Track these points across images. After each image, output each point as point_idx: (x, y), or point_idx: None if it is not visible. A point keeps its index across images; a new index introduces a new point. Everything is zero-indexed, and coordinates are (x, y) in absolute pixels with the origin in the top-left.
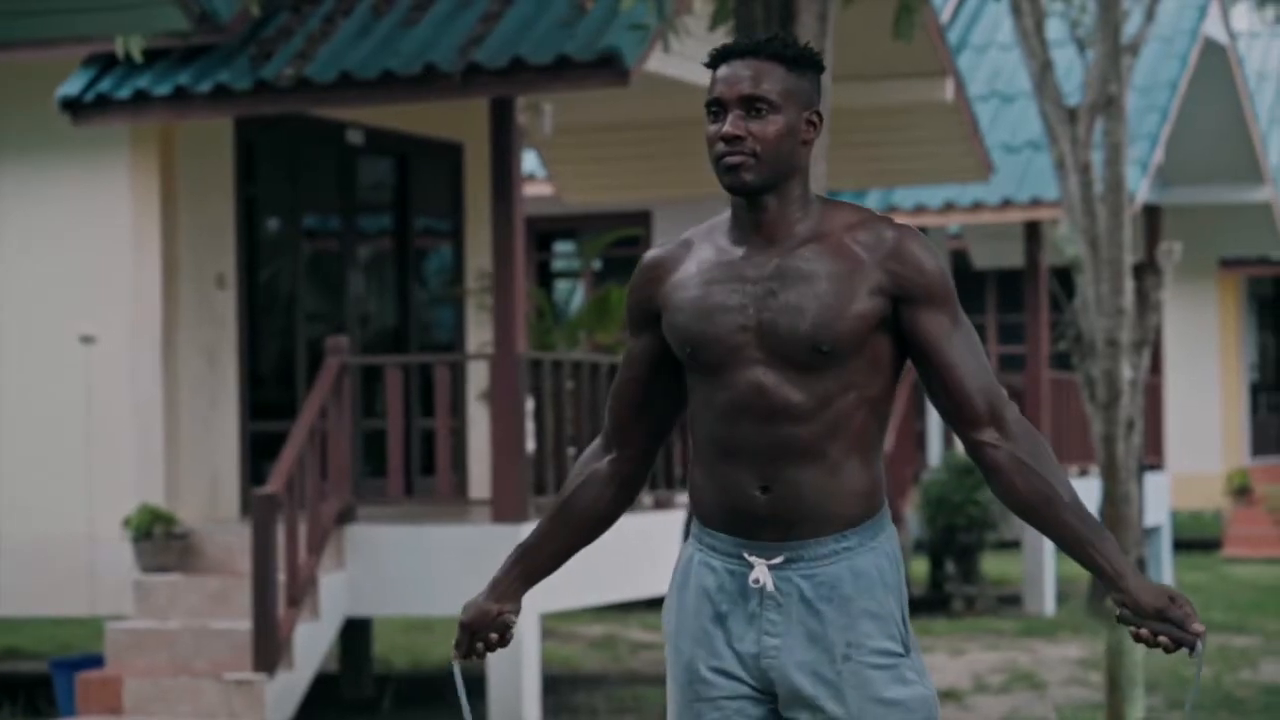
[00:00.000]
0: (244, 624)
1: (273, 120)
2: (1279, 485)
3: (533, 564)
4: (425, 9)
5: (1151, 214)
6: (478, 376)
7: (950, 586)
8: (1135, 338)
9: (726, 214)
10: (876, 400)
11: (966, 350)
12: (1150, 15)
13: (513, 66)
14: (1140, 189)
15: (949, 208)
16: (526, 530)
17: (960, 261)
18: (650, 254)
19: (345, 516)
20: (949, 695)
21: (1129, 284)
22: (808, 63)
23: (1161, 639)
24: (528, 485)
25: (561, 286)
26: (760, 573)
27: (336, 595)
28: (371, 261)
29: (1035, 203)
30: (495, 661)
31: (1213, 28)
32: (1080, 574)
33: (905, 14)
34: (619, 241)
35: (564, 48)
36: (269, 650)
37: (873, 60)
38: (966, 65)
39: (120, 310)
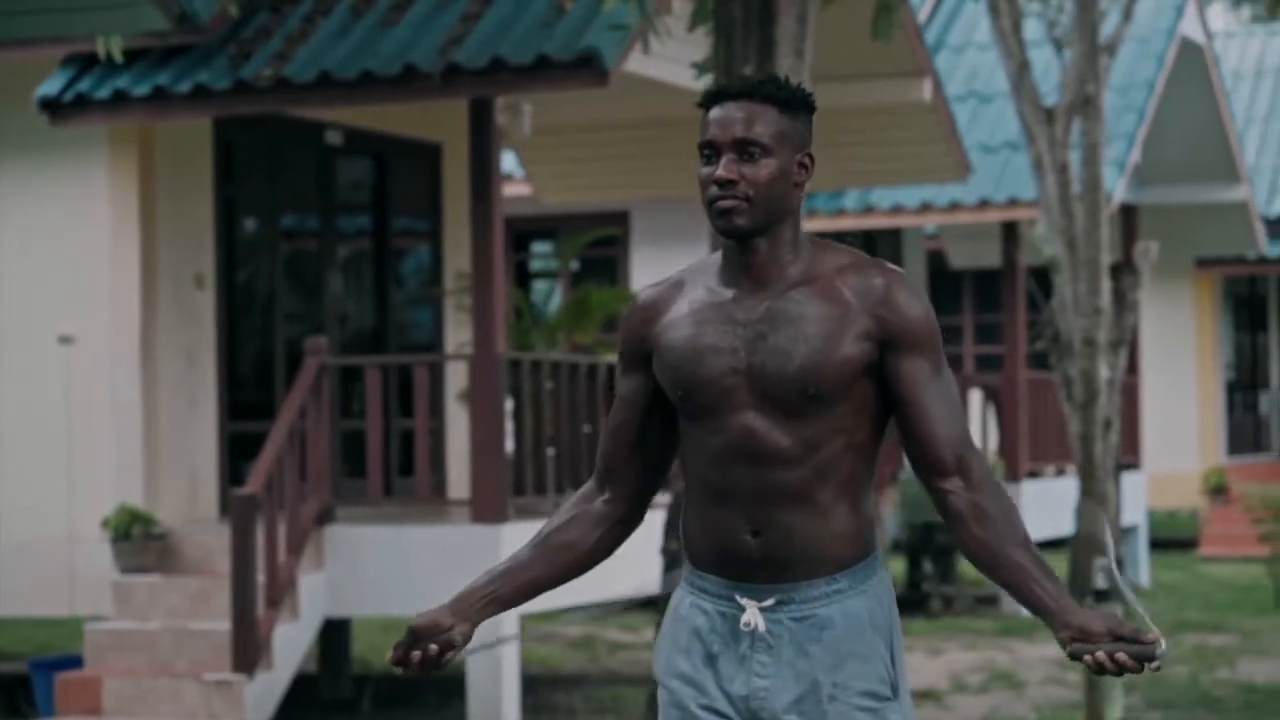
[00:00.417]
0: (223, 624)
1: (251, 120)
2: (1255, 484)
3: (507, 589)
4: (404, 9)
5: (1128, 214)
6: (456, 377)
7: (928, 586)
8: (1113, 337)
9: (717, 255)
10: (864, 445)
11: (941, 399)
12: (1127, 15)
13: (492, 67)
14: (1117, 189)
15: (926, 208)
16: (506, 531)
17: (937, 261)
18: (643, 295)
19: (324, 517)
20: (928, 695)
21: (1106, 284)
22: (801, 105)
23: (1119, 657)
24: (507, 486)
25: (539, 287)
26: (752, 615)
27: (316, 596)
28: (350, 262)
29: (1013, 203)
30: (474, 662)
31: (1189, 27)
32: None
33: (884, 14)
34: (597, 242)
35: (543, 48)
36: (248, 651)
37: (851, 60)
38: (944, 65)
39: (99, 311)
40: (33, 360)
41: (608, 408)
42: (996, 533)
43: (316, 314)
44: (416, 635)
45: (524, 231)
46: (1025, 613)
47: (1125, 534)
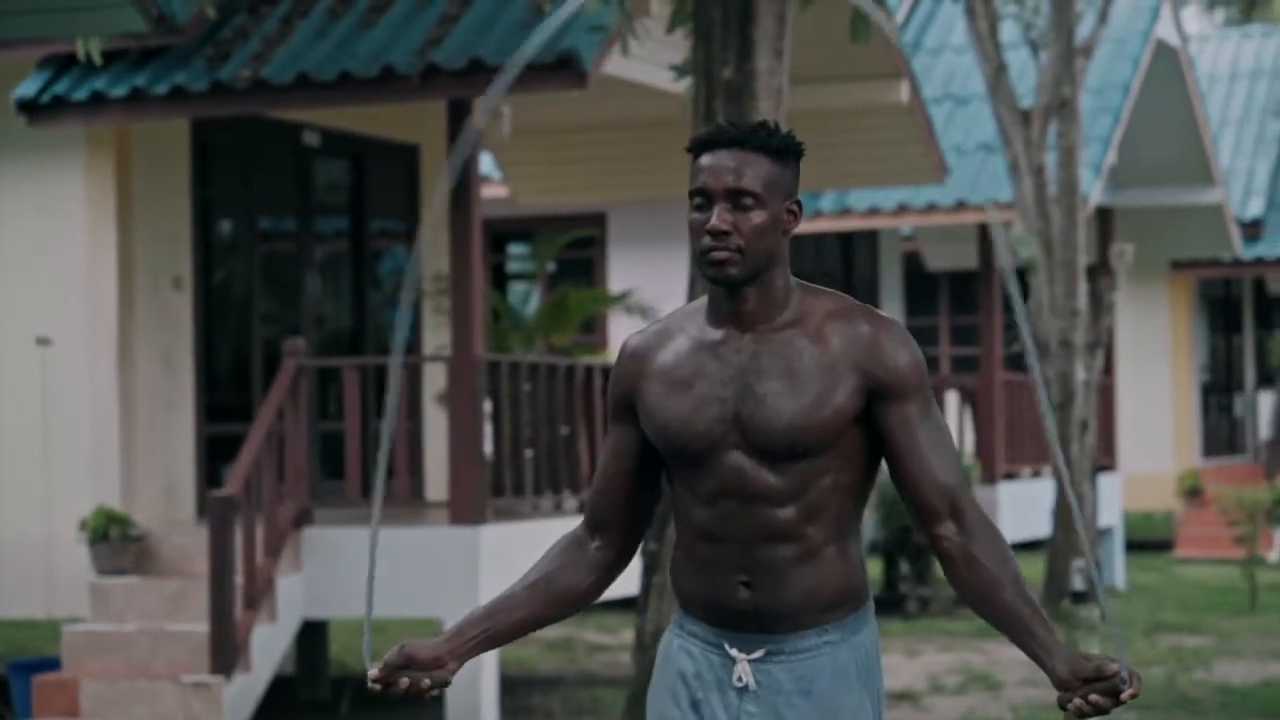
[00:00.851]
0: (201, 626)
1: (229, 122)
2: (1230, 486)
3: (499, 629)
4: (383, 11)
5: (1104, 216)
6: (433, 379)
7: (904, 587)
8: (1089, 339)
9: (704, 300)
10: (852, 486)
11: (932, 445)
12: (1103, 18)
13: (471, 68)
14: (1093, 191)
15: (903, 209)
16: (484, 533)
17: (913, 263)
18: (631, 344)
19: (302, 519)
20: (905, 697)
21: (1083, 286)
22: (791, 153)
23: (1093, 699)
24: (485, 488)
25: (516, 289)
26: (743, 670)
27: (294, 597)
28: (327, 263)
29: (989, 204)
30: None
31: (1165, 30)
32: (1033, 576)
33: (861, 16)
34: (574, 243)
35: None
36: (226, 652)
37: (828, 62)
38: (920, 68)
39: (76, 312)
40: (9, 362)
41: (587, 412)
42: (989, 579)
43: (294, 315)
44: (412, 663)
45: (501, 233)
46: None
47: (1101, 536)
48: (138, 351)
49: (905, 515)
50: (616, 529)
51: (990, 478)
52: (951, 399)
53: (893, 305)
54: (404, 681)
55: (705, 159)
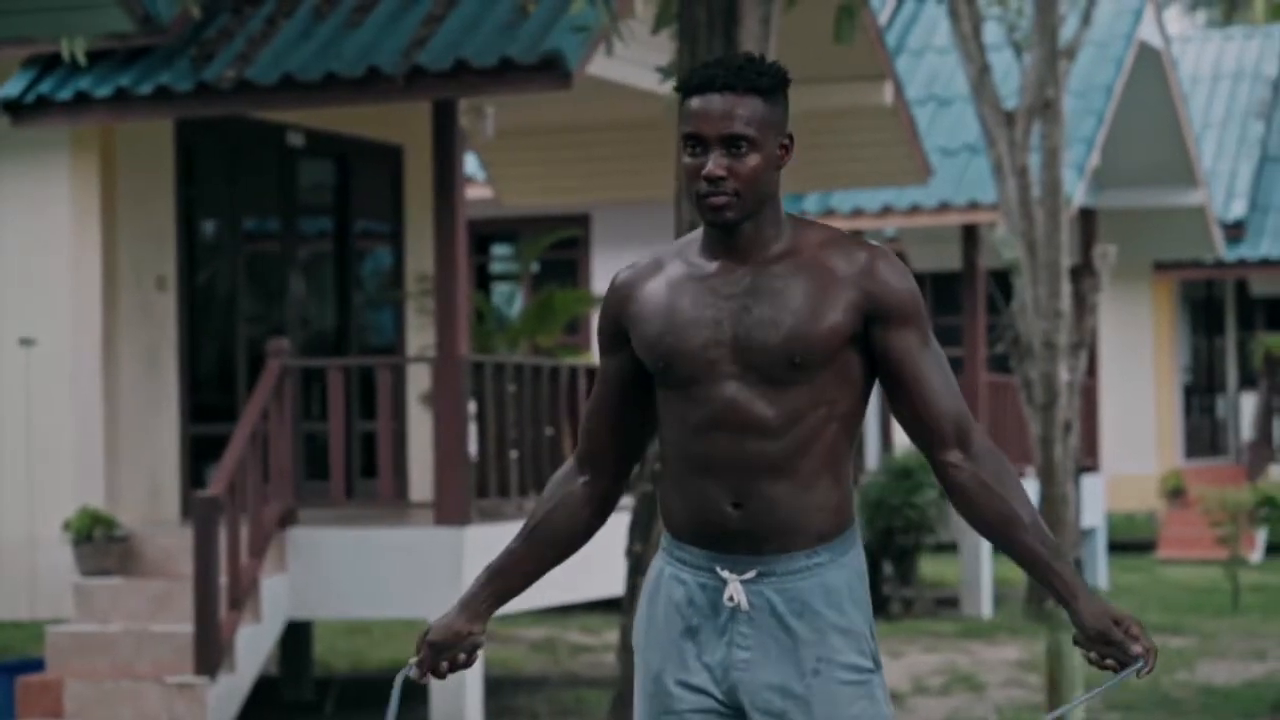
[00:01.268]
0: (185, 627)
1: (213, 122)
2: (1213, 487)
3: (505, 584)
4: (368, 11)
5: (1087, 217)
6: (417, 379)
7: (888, 589)
8: (1073, 340)
9: (698, 233)
10: (847, 416)
11: (935, 371)
12: (1086, 19)
13: (456, 69)
14: (1076, 192)
15: (887, 211)
16: (469, 534)
17: None
18: (621, 274)
19: (287, 519)
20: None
21: (1066, 287)
22: (781, 87)
23: (1107, 661)
24: (470, 488)
25: (500, 290)
26: (734, 589)
27: (278, 598)
28: (311, 264)
29: (973, 205)
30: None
31: (1147, 32)
32: (1017, 577)
33: (845, 17)
34: (558, 244)
35: (507, 50)
36: (210, 653)
37: (812, 63)
38: (903, 69)
39: (60, 313)
40: None
41: (572, 412)
42: (1004, 510)
43: (278, 316)
44: (440, 648)
45: (484, 234)
46: (985, 615)
47: (1084, 536)
48: (122, 352)
49: (889, 516)
50: (606, 460)
51: None
52: None
53: None
54: (444, 667)
55: (696, 102)
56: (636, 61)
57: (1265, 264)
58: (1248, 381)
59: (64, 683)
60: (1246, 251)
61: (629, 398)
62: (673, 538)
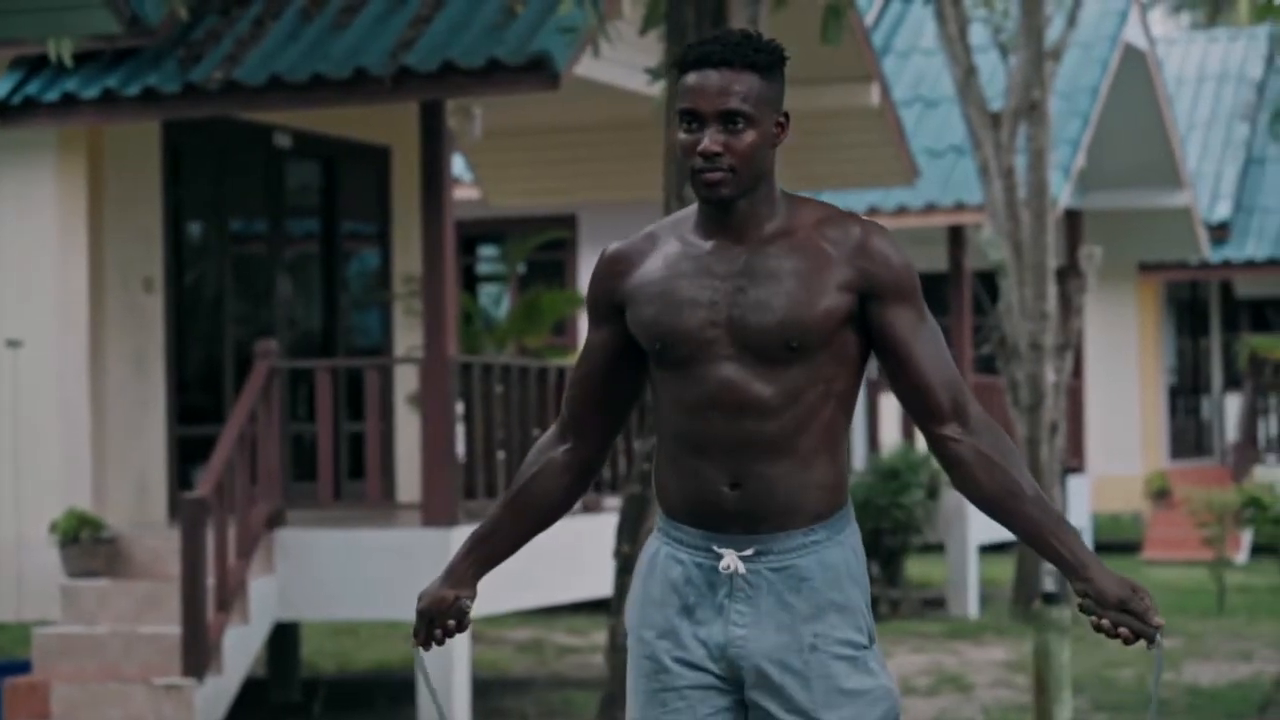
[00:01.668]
0: (173, 628)
1: (200, 123)
2: (1198, 488)
3: (488, 551)
4: (355, 12)
5: (1072, 219)
6: (404, 380)
7: (875, 589)
8: (1059, 341)
9: (692, 209)
10: (843, 394)
11: (932, 345)
12: (1072, 21)
13: (443, 70)
14: (1062, 194)
15: (873, 212)
16: (457, 534)
17: None
18: (613, 247)
19: (275, 520)
20: None
21: (1052, 288)
22: (778, 64)
23: (1121, 630)
24: (458, 489)
25: (486, 291)
26: (730, 559)
27: (266, 599)
28: (298, 265)
29: (959, 207)
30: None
31: (1132, 34)
32: (1003, 577)
33: (833, 18)
34: (544, 245)
35: (494, 51)
36: (198, 655)
37: (799, 65)
38: (890, 70)
39: (47, 314)
40: None
41: (558, 412)
42: (1005, 483)
43: (265, 317)
44: (429, 615)
45: (470, 235)
46: (972, 616)
47: None
48: (109, 353)
49: (876, 517)
50: (589, 430)
51: None
52: None
53: None
54: (438, 633)
55: (692, 78)
56: (623, 63)
57: (1250, 265)
58: (1232, 382)
59: (51, 684)
60: (1231, 253)
61: (615, 369)
62: (668, 517)
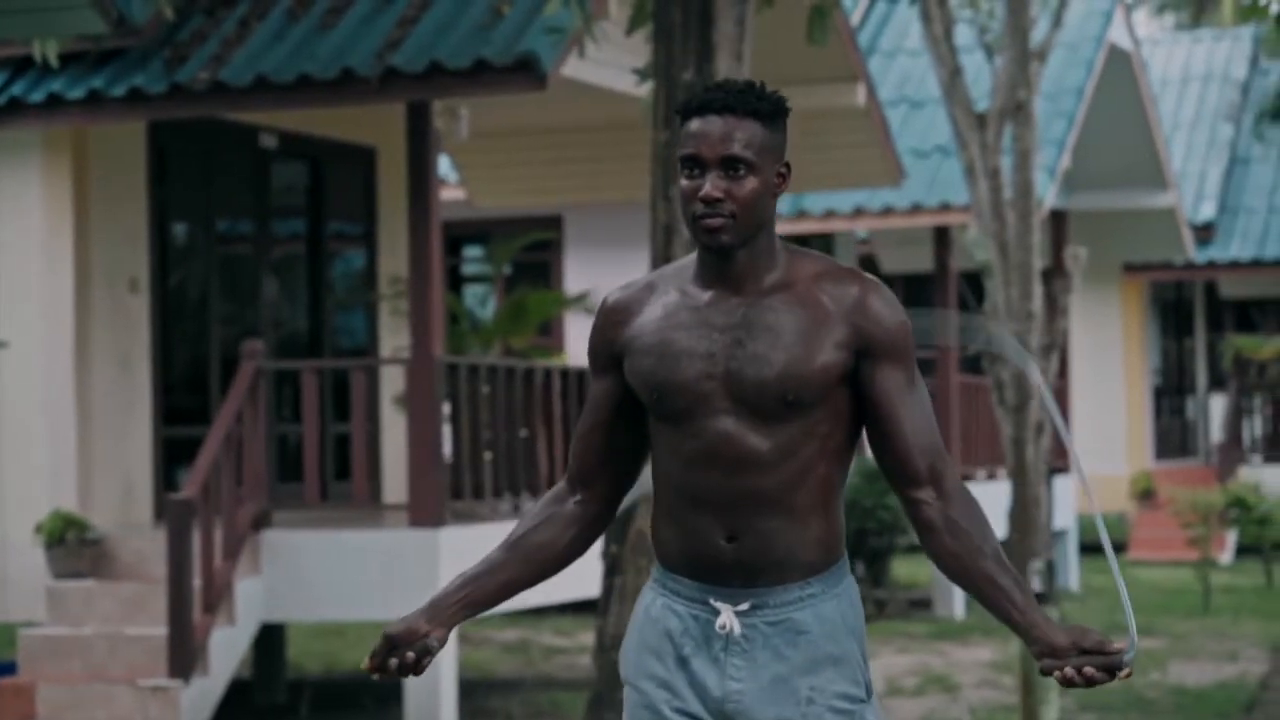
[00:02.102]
0: (159, 630)
1: (186, 124)
2: (1183, 488)
3: (479, 593)
4: (342, 13)
5: (1057, 219)
6: (390, 381)
7: (861, 590)
8: (1044, 342)
9: (691, 259)
10: (839, 449)
11: (915, 409)
12: (1057, 21)
13: (430, 71)
14: (1048, 194)
15: (859, 212)
16: (444, 535)
17: (869, 266)
18: (613, 296)
19: (261, 522)
20: None
21: (1038, 288)
22: (781, 114)
23: (1087, 671)
24: (445, 490)
25: (472, 291)
26: (727, 618)
27: (252, 601)
28: (284, 265)
29: (944, 207)
30: None
31: (1117, 34)
32: None
33: (818, 18)
34: (530, 246)
35: (481, 52)
36: (184, 656)
37: (785, 65)
38: (875, 70)
39: (33, 315)
40: None
41: (546, 414)
42: (967, 546)
43: (251, 318)
44: (394, 642)
45: (456, 235)
46: (958, 616)
47: (1055, 538)
48: (94, 354)
49: (862, 518)
50: (597, 483)
51: None
52: None
53: None
54: (393, 662)
55: (695, 124)
56: (610, 63)
57: (1234, 266)
58: (1217, 383)
59: (36, 686)
60: (1216, 253)
61: (621, 421)
62: (665, 569)
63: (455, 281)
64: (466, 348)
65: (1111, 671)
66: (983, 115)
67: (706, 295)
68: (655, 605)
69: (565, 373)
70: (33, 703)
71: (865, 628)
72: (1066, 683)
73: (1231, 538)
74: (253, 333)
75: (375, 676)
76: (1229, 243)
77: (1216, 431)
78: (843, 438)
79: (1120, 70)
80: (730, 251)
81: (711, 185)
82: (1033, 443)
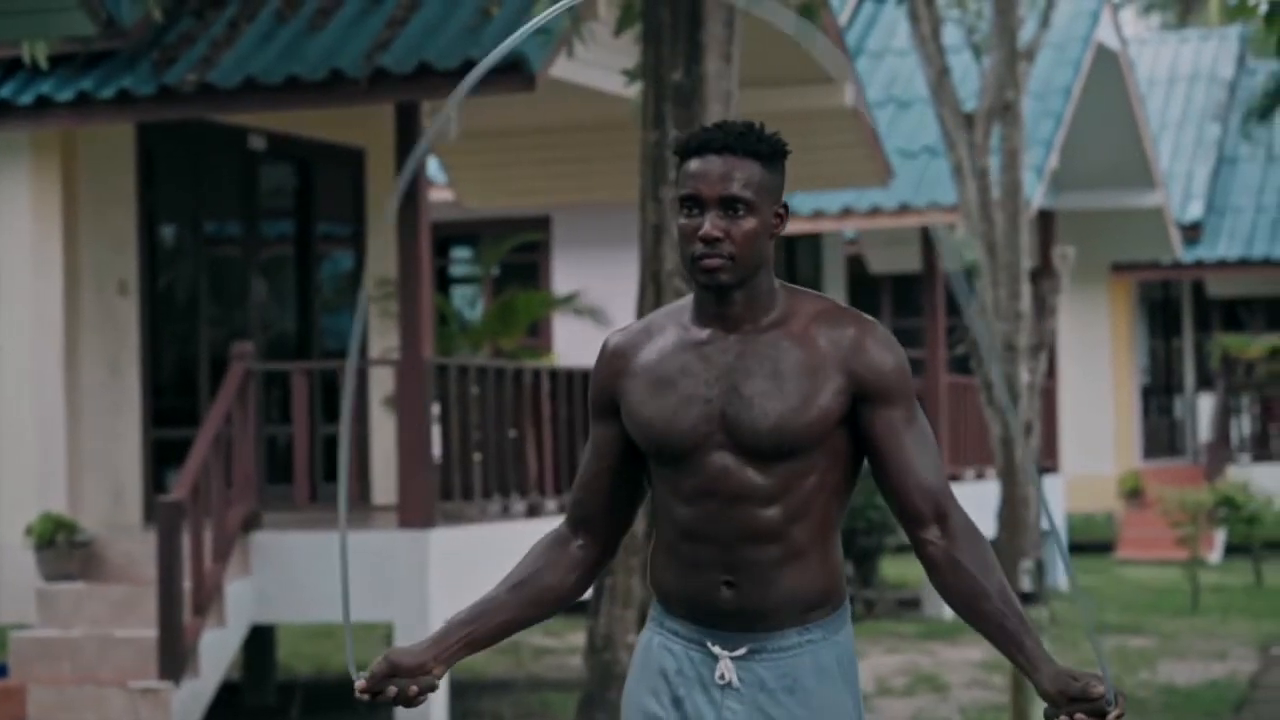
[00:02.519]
0: (149, 632)
1: (175, 126)
2: (1171, 487)
3: (481, 631)
4: (330, 14)
5: (1045, 219)
6: (381, 382)
7: (850, 590)
8: (1033, 341)
9: (688, 299)
10: (837, 486)
11: (917, 449)
12: (1045, 22)
13: (419, 72)
14: (1035, 194)
15: (847, 212)
16: (433, 536)
17: (857, 266)
18: (613, 341)
19: (250, 523)
20: None
21: (1026, 288)
22: (779, 155)
23: (1078, 718)
24: (434, 491)
25: (460, 292)
26: (725, 668)
27: (242, 602)
28: (273, 267)
29: (932, 207)
30: None
31: (1105, 34)
32: None
33: (807, 17)
34: (518, 247)
35: (470, 53)
36: (175, 658)
37: (774, 66)
38: (863, 71)
39: (21, 317)
40: None
41: (535, 415)
42: (972, 587)
43: (240, 319)
44: (398, 670)
45: (445, 236)
46: (947, 616)
47: (1043, 538)
48: (83, 356)
49: (851, 517)
50: (599, 527)
51: None
52: None
53: None
54: (391, 690)
55: (694, 164)
56: (598, 64)
57: (1222, 265)
58: (1205, 382)
59: (27, 688)
60: (1204, 252)
61: (622, 466)
62: (665, 610)
63: (444, 282)
64: (455, 349)
65: (1101, 716)
66: (970, 115)
67: (703, 335)
68: (653, 644)
69: (554, 374)
70: (23, 705)
71: (859, 675)
72: None
73: (1220, 537)
74: (242, 334)
75: (366, 698)
76: (1216, 242)
77: (1205, 430)
78: (841, 475)
79: (1108, 70)
80: (728, 291)
81: (710, 225)
82: (1021, 443)
